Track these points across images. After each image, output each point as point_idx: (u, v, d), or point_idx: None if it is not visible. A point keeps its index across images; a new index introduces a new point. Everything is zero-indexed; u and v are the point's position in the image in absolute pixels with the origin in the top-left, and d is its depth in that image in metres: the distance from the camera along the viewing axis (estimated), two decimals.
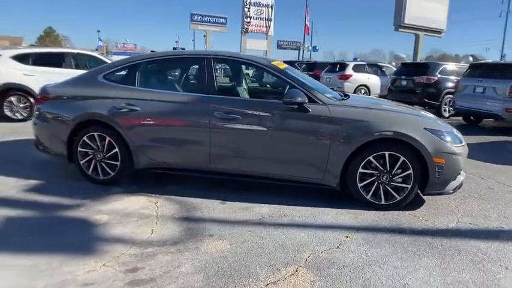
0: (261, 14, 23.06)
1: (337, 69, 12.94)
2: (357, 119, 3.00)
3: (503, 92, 6.39)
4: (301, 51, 27.08)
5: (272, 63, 3.32)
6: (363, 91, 12.52)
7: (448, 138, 3.01)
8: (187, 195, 3.26)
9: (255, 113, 3.13)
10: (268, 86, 3.22)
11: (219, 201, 3.17)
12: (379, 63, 13.77)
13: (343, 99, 3.34)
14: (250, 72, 16.61)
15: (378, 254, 2.37)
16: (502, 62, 7.09)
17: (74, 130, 3.38)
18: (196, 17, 26.30)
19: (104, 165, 3.43)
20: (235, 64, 3.75)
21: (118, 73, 3.52)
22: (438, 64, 8.94)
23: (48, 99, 3.56)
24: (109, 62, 7.40)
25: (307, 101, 3.00)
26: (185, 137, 3.28)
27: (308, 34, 22.49)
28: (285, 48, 39.25)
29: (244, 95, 3.67)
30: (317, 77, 11.39)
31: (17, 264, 2.13)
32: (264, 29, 23.33)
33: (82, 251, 2.30)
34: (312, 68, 16.16)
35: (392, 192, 3.03)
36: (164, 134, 3.30)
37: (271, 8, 23.23)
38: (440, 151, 2.93)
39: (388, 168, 2.99)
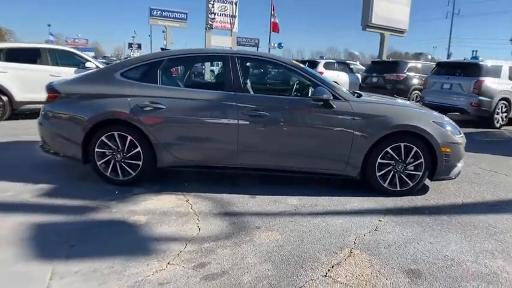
0: (225, 11, 22.94)
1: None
2: (377, 114, 3.27)
3: (468, 88, 7.19)
4: (266, 49, 27.44)
5: (293, 62, 3.47)
6: None
7: (452, 130, 3.39)
8: (214, 192, 3.31)
9: (282, 109, 3.27)
10: (287, 83, 3.35)
11: (248, 195, 3.27)
12: (347, 62, 14.51)
13: (358, 96, 3.59)
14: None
15: (412, 233, 2.65)
16: (467, 61, 7.89)
17: (91, 130, 3.26)
18: (155, 12, 25.43)
19: (124, 166, 3.35)
20: (260, 63, 3.83)
21: (136, 71, 3.44)
22: (406, 62, 9.71)
23: (58, 97, 3.37)
24: (88, 57, 7.07)
25: (331, 97, 3.20)
26: (212, 134, 3.32)
27: (277, 32, 22.73)
28: (244, 45, 39.39)
29: (267, 92, 3.78)
30: None
31: (75, 271, 2.06)
32: (229, 26, 23.23)
33: (138, 252, 2.27)
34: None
35: (406, 179, 3.36)
36: (190, 131, 3.31)
37: (235, 5, 23.21)
38: (446, 141, 3.30)
39: (403, 158, 3.31)
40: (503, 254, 2.39)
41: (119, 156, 3.34)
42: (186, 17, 26.20)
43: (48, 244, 2.34)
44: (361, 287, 1.98)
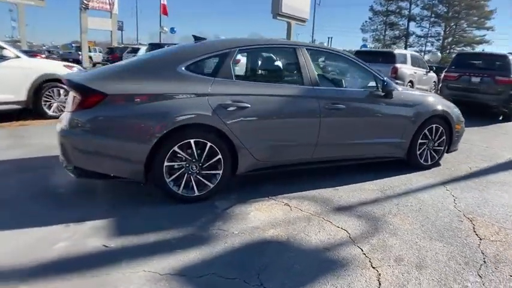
0: None
1: None
2: (420, 102, 3.76)
3: (386, 74, 8.72)
4: (157, 34, 25.08)
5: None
6: None
7: (458, 112, 4.20)
8: (296, 191, 3.17)
9: (355, 101, 3.37)
10: (348, 75, 3.41)
11: (330, 188, 3.28)
12: None
13: None
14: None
15: (469, 193, 3.32)
16: (384, 50, 9.51)
17: (159, 140, 2.59)
18: None
19: (200, 178, 2.82)
20: (328, 56, 3.68)
21: (204, 64, 2.87)
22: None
23: (104, 101, 2.51)
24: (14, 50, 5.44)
25: (394, 89, 3.50)
26: (295, 131, 3.13)
27: (166, 15, 21.02)
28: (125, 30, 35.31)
29: (335, 85, 3.72)
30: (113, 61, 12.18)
31: None
32: (108, 7, 20.12)
33: (324, 266, 2.08)
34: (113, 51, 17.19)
35: (434, 154, 4.01)
36: (274, 130, 3.03)
37: None
38: (458, 120, 4.09)
39: (433, 137, 3.93)
40: None
41: (195, 168, 2.79)
42: None
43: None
44: None
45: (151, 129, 2.57)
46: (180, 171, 2.75)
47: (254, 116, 2.89)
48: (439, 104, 3.93)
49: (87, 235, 2.27)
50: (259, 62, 3.49)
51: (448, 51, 42.37)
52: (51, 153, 3.76)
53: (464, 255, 2.25)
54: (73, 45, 36.86)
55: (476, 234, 2.53)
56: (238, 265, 2.05)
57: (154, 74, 2.72)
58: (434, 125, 3.87)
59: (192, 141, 2.71)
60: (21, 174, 3.30)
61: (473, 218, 2.81)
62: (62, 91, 6.01)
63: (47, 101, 5.83)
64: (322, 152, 3.32)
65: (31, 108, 5.69)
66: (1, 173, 3.32)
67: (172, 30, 25.21)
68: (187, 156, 2.73)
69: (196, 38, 3.42)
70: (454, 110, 4.07)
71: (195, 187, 2.81)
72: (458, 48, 40.17)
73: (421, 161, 3.92)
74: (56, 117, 5.65)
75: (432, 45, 46.50)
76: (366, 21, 49.73)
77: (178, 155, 2.70)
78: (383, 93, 3.49)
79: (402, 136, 3.67)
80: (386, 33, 48.88)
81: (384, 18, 48.34)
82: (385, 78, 3.52)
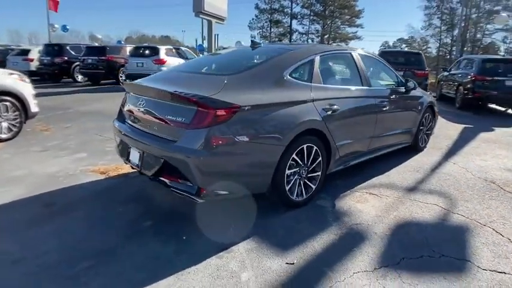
0: None
1: (147, 54, 12.43)
2: (421, 96, 4.58)
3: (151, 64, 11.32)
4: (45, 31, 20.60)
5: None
6: None
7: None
8: (361, 182, 3.54)
9: (394, 98, 3.93)
10: (380, 76, 3.89)
11: (382, 175, 3.78)
12: (176, 47, 14.39)
13: None
14: None
15: (467, 162, 4.29)
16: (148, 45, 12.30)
17: (286, 149, 2.61)
18: None
19: (307, 182, 2.93)
20: (369, 60, 3.95)
21: (300, 70, 2.93)
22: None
23: (237, 113, 2.36)
24: None
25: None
26: (363, 127, 3.50)
27: (55, 11, 17.66)
28: None
29: (375, 84, 4.08)
30: None
31: None
32: None
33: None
34: None
35: (425, 137, 4.94)
36: (353, 128, 3.33)
37: None
38: (436, 106, 5.13)
39: (426, 123, 4.84)
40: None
41: (304, 173, 2.88)
42: None
43: None
44: None
45: (280, 138, 2.56)
46: (294, 178, 2.81)
47: (342, 117, 3.14)
48: (428, 96, 4.87)
49: (258, 260, 2.18)
50: (334, 67, 3.70)
51: None
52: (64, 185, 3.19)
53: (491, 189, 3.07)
54: None
55: (489, 180, 3.43)
56: (411, 244, 2.33)
57: (270, 84, 2.69)
58: (427, 114, 4.79)
59: (304, 146, 2.79)
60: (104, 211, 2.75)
61: (485, 177, 3.73)
62: (9, 105, 4.85)
63: None
64: (374, 143, 3.78)
65: None
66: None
67: (64, 27, 21.60)
68: (300, 162, 2.81)
69: (254, 43, 3.42)
70: (435, 101, 5.09)
71: (303, 191, 2.91)
72: (334, 44, 46.47)
73: (421, 145, 4.81)
74: (7, 140, 4.64)
75: (313, 41, 52.46)
76: (252, 19, 52.30)
77: (292, 162, 2.74)
78: (404, 90, 4.16)
79: (414, 124, 4.45)
80: (272, 30, 52.70)
81: (269, 16, 51.84)
82: (411, 80, 4.21)
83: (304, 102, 2.81)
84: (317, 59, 3.12)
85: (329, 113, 2.97)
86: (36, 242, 2.31)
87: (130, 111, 2.91)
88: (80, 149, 4.46)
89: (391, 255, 2.25)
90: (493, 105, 9.30)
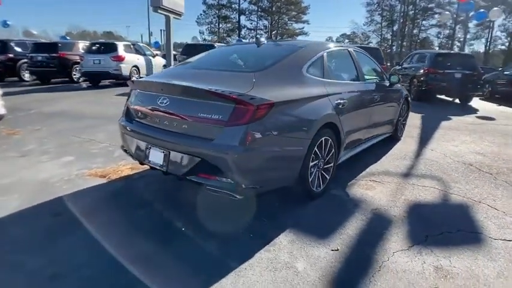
0: None
1: (104, 51, 11.67)
2: (400, 89, 4.96)
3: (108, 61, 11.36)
4: None
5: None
6: (135, 72, 12.32)
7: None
8: (362, 171, 3.80)
9: (382, 91, 4.22)
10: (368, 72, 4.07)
11: (376, 164, 4.08)
12: (134, 43, 13.64)
13: None
14: None
15: (441, 148, 4.79)
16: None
17: (311, 141, 2.72)
18: None
19: (323, 173, 3.07)
20: (360, 56, 4.10)
21: (313, 66, 3.01)
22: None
23: (272, 109, 2.39)
24: None
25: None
26: (362, 119, 3.72)
27: None
28: None
29: (365, 79, 4.27)
30: None
31: None
32: None
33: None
34: None
35: (402, 127, 5.38)
36: (355, 120, 3.52)
37: None
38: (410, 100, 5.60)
39: (403, 114, 5.27)
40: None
41: (321, 165, 3.01)
42: None
43: None
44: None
45: (307, 132, 2.67)
46: (314, 170, 2.92)
47: (349, 110, 3.33)
48: (404, 89, 5.31)
49: (304, 250, 2.26)
50: (337, 63, 3.80)
51: None
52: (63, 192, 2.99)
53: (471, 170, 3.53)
54: None
55: (467, 163, 3.91)
56: (429, 223, 2.58)
57: (292, 79, 2.77)
58: (404, 105, 5.22)
59: (323, 139, 2.92)
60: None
61: (463, 161, 4.22)
62: None
63: None
64: (368, 133, 4.04)
65: None
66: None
67: (4, 23, 19.16)
68: (319, 154, 2.93)
69: (258, 41, 3.45)
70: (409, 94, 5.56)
71: (321, 182, 3.04)
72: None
73: (399, 134, 5.23)
74: None
75: (261, 36, 53.14)
76: (200, 14, 51.42)
77: (313, 155, 2.86)
78: (389, 84, 4.49)
79: (395, 115, 4.82)
80: (221, 26, 52.28)
81: (217, 12, 51.31)
82: (394, 75, 4.54)
83: (322, 97, 2.92)
84: (325, 55, 3.25)
85: (340, 106, 3.13)
86: (64, 255, 2.14)
87: (144, 110, 2.78)
88: (63, 153, 4.12)
89: (417, 234, 2.48)
90: (443, 96, 10.34)
